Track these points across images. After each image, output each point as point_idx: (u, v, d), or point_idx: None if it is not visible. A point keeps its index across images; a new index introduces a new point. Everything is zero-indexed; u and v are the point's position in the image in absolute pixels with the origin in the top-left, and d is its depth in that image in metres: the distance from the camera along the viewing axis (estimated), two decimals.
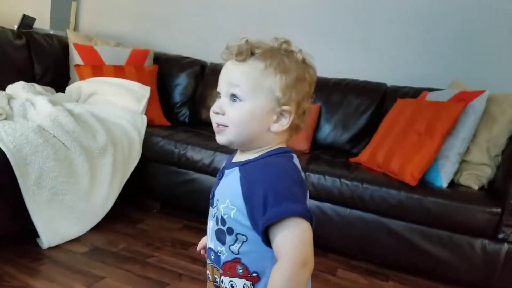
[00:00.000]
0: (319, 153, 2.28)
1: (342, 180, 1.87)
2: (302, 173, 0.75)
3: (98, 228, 1.96)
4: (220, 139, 0.72)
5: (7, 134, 1.59)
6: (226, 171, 0.74)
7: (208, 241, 0.75)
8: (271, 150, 0.71)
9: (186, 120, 2.81)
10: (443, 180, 1.85)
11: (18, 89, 2.07)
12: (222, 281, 0.71)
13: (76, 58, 2.65)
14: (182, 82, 2.83)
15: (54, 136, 1.77)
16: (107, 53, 2.68)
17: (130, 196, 2.22)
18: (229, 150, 0.97)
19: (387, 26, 2.59)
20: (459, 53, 2.44)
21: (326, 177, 1.89)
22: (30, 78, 2.44)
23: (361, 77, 2.54)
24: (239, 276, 0.69)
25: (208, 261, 0.76)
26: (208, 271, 0.77)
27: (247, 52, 0.67)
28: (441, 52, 2.48)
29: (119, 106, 2.34)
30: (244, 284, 0.69)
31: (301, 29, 2.72)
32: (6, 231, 1.68)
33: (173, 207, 2.31)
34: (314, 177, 1.91)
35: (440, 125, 1.86)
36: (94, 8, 3.35)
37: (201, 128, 2.52)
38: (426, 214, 1.75)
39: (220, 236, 0.70)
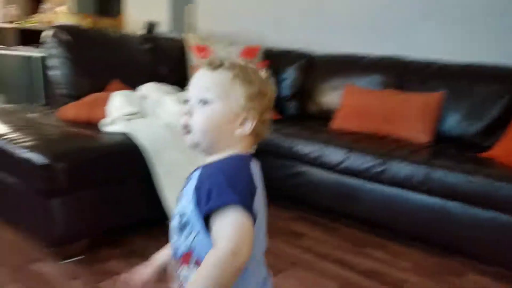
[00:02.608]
0: (444, 146, 2.12)
1: (472, 176, 1.72)
2: (258, 179, 0.75)
3: None
4: (187, 141, 0.76)
5: (143, 130, 1.82)
6: (193, 174, 0.77)
7: (171, 237, 0.77)
8: (229, 155, 0.75)
9: (295, 112, 2.86)
10: None
11: (149, 89, 2.33)
12: (181, 271, 0.75)
13: (193, 58, 2.87)
14: (290, 76, 2.88)
15: None
16: (221, 52, 2.86)
17: None
18: None
19: None
20: None
21: (453, 173, 1.76)
22: (158, 79, 2.70)
23: (489, 60, 2.28)
24: (194, 264, 0.71)
25: (172, 257, 0.79)
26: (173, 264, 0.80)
27: (218, 63, 0.74)
28: None
29: None
30: None
31: (416, 14, 2.59)
32: (148, 214, 1.90)
33: (285, 198, 2.38)
34: (438, 173, 1.79)
35: None
36: (209, 9, 3.57)
37: (308, 121, 2.57)
38: None
39: (178, 230, 0.74)
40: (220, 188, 0.66)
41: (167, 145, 1.86)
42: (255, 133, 0.76)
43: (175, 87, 2.64)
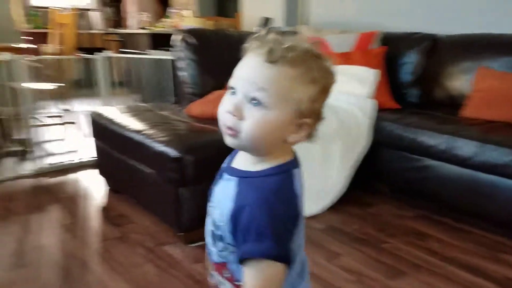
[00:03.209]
0: None
1: None
2: (300, 189, 0.65)
3: (332, 208, 2.12)
4: (231, 142, 0.64)
5: None
6: (225, 176, 0.69)
7: (206, 234, 0.72)
8: (272, 168, 0.64)
9: (417, 101, 2.68)
10: None
11: None
12: (214, 274, 0.72)
13: None
14: (411, 60, 2.69)
15: None
16: (335, 41, 2.80)
17: (361, 180, 2.30)
18: None
19: None
20: None
21: None
22: None
23: None
24: (226, 279, 0.69)
25: (206, 248, 0.74)
26: (206, 252, 0.75)
27: (279, 53, 0.59)
28: None
29: (347, 92, 2.44)
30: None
31: None
32: None
33: (404, 193, 2.28)
34: None
35: None
36: (321, 0, 3.53)
37: (433, 109, 2.38)
38: None
39: (213, 237, 0.68)
40: (258, 229, 0.59)
41: None
42: (308, 135, 0.65)
43: None
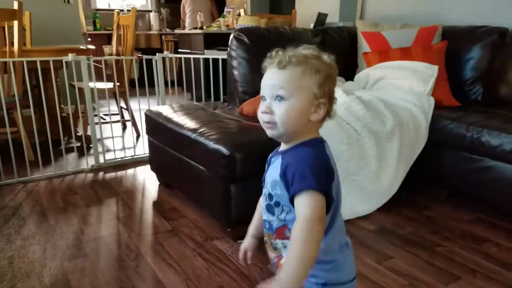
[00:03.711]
0: None
1: None
2: (333, 162, 0.84)
3: (384, 209, 2.05)
4: (272, 133, 0.84)
5: None
6: (273, 159, 0.88)
7: (264, 214, 0.90)
8: (305, 141, 0.84)
9: (479, 98, 2.53)
10: None
11: None
12: (276, 243, 0.88)
13: (364, 46, 2.79)
14: (474, 56, 2.54)
15: (347, 123, 1.96)
16: (393, 36, 2.70)
17: (415, 181, 2.21)
18: None
19: None
20: None
21: None
22: None
23: None
24: (288, 238, 0.84)
25: (264, 230, 0.92)
26: (265, 238, 0.92)
27: (286, 61, 0.81)
28: None
29: (405, 89, 2.35)
30: None
31: None
32: None
33: (462, 196, 2.16)
34: None
35: None
36: None
37: (498, 107, 2.23)
38: None
39: (270, 209, 0.87)
40: (301, 175, 0.77)
41: (332, 136, 1.86)
42: (327, 113, 0.85)
43: (340, 77, 2.61)
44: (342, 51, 2.84)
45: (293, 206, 0.80)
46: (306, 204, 0.77)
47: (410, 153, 2.14)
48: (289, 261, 0.76)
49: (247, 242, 1.05)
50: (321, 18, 3.36)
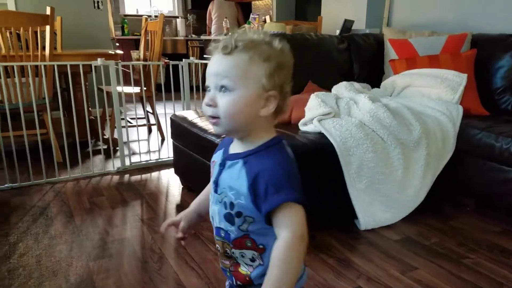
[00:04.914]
0: None
1: None
2: (293, 158, 0.76)
3: (409, 218, 2.01)
4: (216, 130, 0.76)
5: (335, 129, 1.86)
6: (229, 162, 0.77)
7: (216, 222, 0.81)
8: (266, 142, 0.75)
9: (509, 108, 2.47)
10: None
11: (342, 89, 2.35)
12: (233, 252, 0.80)
13: (391, 53, 2.76)
14: (505, 64, 2.49)
15: (373, 131, 1.94)
16: (421, 44, 2.67)
17: (441, 191, 2.16)
18: None
19: None
20: None
21: None
22: (350, 77, 2.71)
23: None
24: (248, 248, 0.77)
25: (217, 238, 0.83)
26: (217, 245, 0.84)
27: (232, 46, 0.70)
28: None
29: (432, 97, 2.31)
30: (253, 254, 0.78)
31: None
32: (330, 210, 1.95)
33: (490, 207, 2.10)
34: None
35: None
36: (405, 1, 3.38)
37: None
38: None
39: (229, 219, 0.77)
40: (276, 186, 0.70)
41: (358, 143, 1.84)
42: (278, 108, 0.75)
43: (366, 84, 2.59)
44: (368, 57, 2.82)
45: (266, 220, 0.72)
46: (286, 222, 0.70)
47: (437, 162, 2.09)
48: (275, 284, 0.69)
49: (187, 213, 0.96)
50: (347, 24, 3.34)
